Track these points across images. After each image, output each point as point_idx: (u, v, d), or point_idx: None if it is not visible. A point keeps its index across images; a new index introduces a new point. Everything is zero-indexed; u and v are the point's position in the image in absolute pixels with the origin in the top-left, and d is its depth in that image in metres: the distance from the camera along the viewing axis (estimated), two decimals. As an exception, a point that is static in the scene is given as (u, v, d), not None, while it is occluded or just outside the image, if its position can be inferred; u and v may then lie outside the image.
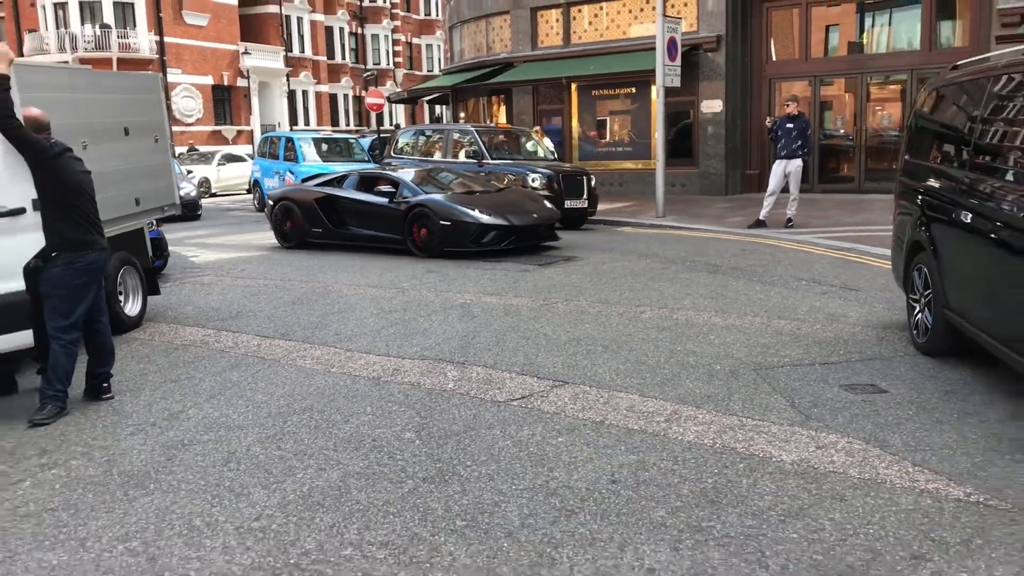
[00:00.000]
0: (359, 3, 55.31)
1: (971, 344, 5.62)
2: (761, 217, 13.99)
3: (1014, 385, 5.30)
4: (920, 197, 6.36)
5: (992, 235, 4.99)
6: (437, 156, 16.70)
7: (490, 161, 15.52)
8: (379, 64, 56.74)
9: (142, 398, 5.66)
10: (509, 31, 23.23)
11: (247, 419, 5.16)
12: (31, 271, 5.32)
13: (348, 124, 51.72)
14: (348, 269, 10.91)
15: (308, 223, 13.02)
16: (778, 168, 13.93)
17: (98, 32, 36.18)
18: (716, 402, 5.21)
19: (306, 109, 48.13)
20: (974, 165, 5.57)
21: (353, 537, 3.57)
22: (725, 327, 7.15)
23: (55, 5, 36.42)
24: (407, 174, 13.05)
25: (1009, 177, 5.04)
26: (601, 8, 21.62)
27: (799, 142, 13.72)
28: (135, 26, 37.17)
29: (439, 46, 64.22)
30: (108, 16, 36.47)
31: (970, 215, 5.34)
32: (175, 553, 3.50)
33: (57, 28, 36.40)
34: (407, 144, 17.98)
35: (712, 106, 19.74)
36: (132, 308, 7.81)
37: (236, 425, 5.06)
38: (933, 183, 6.22)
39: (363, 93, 55.08)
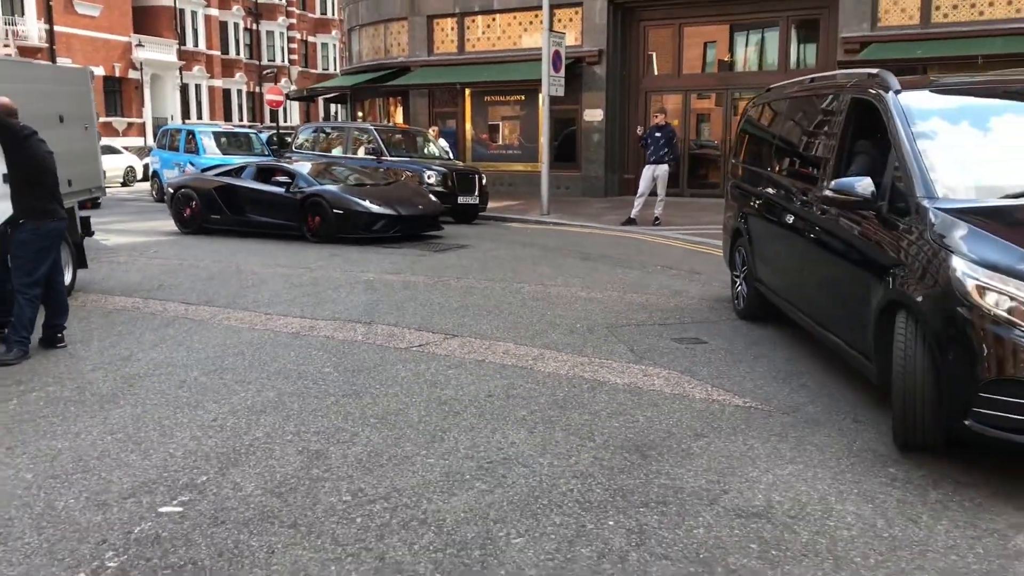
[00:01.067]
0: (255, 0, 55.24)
1: (774, 310, 7.17)
2: (632, 216, 15.60)
3: (798, 338, 6.86)
4: (739, 193, 7.94)
5: (778, 221, 6.55)
6: (337, 152, 17.73)
7: (388, 158, 16.66)
8: (274, 61, 56.78)
9: (93, 347, 6.64)
10: (407, 36, 24.37)
11: (190, 360, 6.24)
12: (1, 236, 6.25)
13: (242, 119, 51.60)
14: (256, 253, 11.88)
15: (207, 210, 13.94)
16: (647, 172, 15.57)
17: (-17, 19, 35.40)
18: (573, 348, 6.59)
19: (199, 103, 47.90)
20: (771, 167, 7.15)
21: (292, 429, 4.76)
22: (588, 299, 8.58)
23: (-65, -12, 35.47)
24: (303, 167, 14.12)
25: (790, 175, 6.61)
26: (494, 19, 23.02)
27: (665, 149, 15.40)
28: (23, 14, 36.51)
29: (334, 45, 64.62)
30: (-6, 2, 35.72)
31: (768, 203, 6.90)
32: (154, 440, 4.61)
33: (-63, 13, 35.45)
34: (307, 140, 18.92)
35: (594, 115, 21.39)
36: (64, 279, 8.65)
37: (181, 364, 6.13)
38: (746, 182, 7.79)
39: (257, 89, 55.13)
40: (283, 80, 56.58)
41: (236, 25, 52.56)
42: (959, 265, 4.09)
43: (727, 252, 8.41)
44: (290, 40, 59.66)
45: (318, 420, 4.91)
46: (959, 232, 4.25)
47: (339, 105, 39.35)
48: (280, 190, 13.36)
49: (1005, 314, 3.89)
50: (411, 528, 3.55)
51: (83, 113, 9.26)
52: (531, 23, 22.36)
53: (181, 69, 45.58)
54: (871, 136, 5.38)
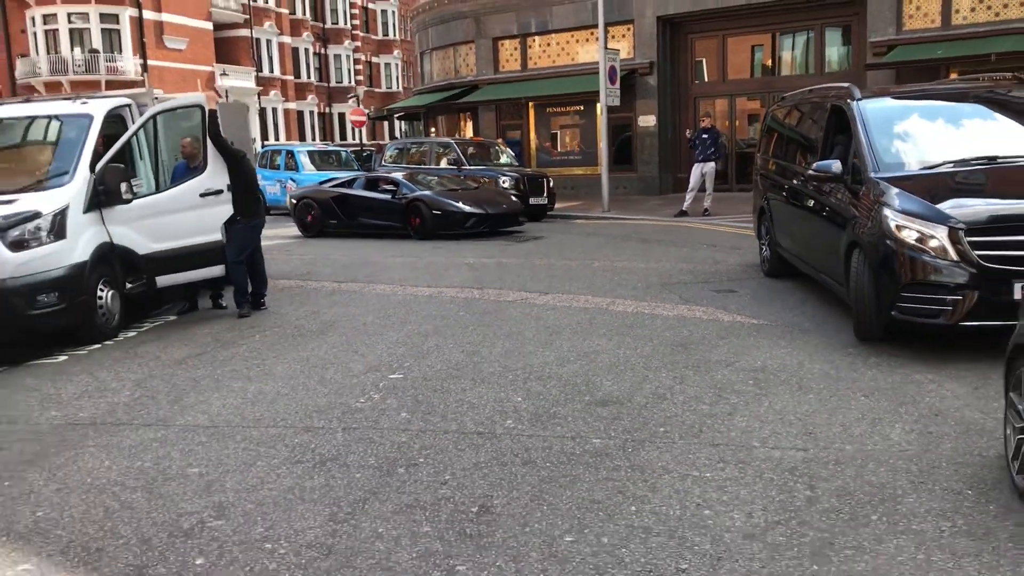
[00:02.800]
0: (322, 25, 58.58)
1: (791, 268, 9.37)
2: (684, 208, 17.81)
3: (806, 287, 9.04)
4: (762, 179, 10.19)
5: (788, 197, 8.79)
6: (425, 163, 20.28)
7: (468, 167, 19.13)
8: (341, 82, 60.04)
9: (286, 308, 9.17)
10: (474, 57, 26.91)
11: (361, 311, 8.73)
12: (225, 227, 8.81)
13: (314, 138, 54.86)
14: (374, 248, 14.40)
15: (325, 216, 16.56)
16: (696, 170, 17.77)
17: (87, 56, 39.04)
18: (635, 297, 8.91)
19: (276, 125, 51.24)
20: (783, 157, 9.40)
21: (452, 342, 7.17)
22: (646, 268, 10.89)
23: (45, 32, 39.20)
24: (404, 176, 16.66)
25: (794, 162, 8.86)
26: (552, 38, 25.43)
27: (712, 149, 17.58)
28: (121, 50, 40.08)
29: (396, 64, 67.81)
30: (96, 41, 39.35)
31: (782, 185, 9.15)
32: (364, 349, 7.06)
33: (48, 53, 39.17)
34: (394, 154, 21.55)
35: (647, 121, 23.63)
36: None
37: (357, 314, 8.61)
38: (767, 170, 10.04)
39: (327, 109, 58.56)
40: (351, 99, 59.85)
41: (307, 50, 55.91)
42: (888, 214, 6.32)
43: (756, 227, 10.65)
44: (356, 62, 62.87)
45: (468, 336, 7.34)
46: (890, 193, 6.47)
47: (404, 122, 42.21)
48: (387, 196, 15.89)
49: (914, 242, 6.11)
50: (543, 379, 5.94)
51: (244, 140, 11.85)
52: (587, 39, 24.66)
53: (259, 94, 48.92)
54: (844, 131, 7.61)
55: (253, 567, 3.44)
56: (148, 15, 41.10)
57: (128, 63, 40.27)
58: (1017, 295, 5.64)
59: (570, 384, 5.82)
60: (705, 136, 17.73)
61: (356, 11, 63.23)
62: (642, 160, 23.95)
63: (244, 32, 48.56)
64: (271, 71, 50.93)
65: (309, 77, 56.27)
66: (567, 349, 6.79)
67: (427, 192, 15.72)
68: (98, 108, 8.40)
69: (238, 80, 46.92)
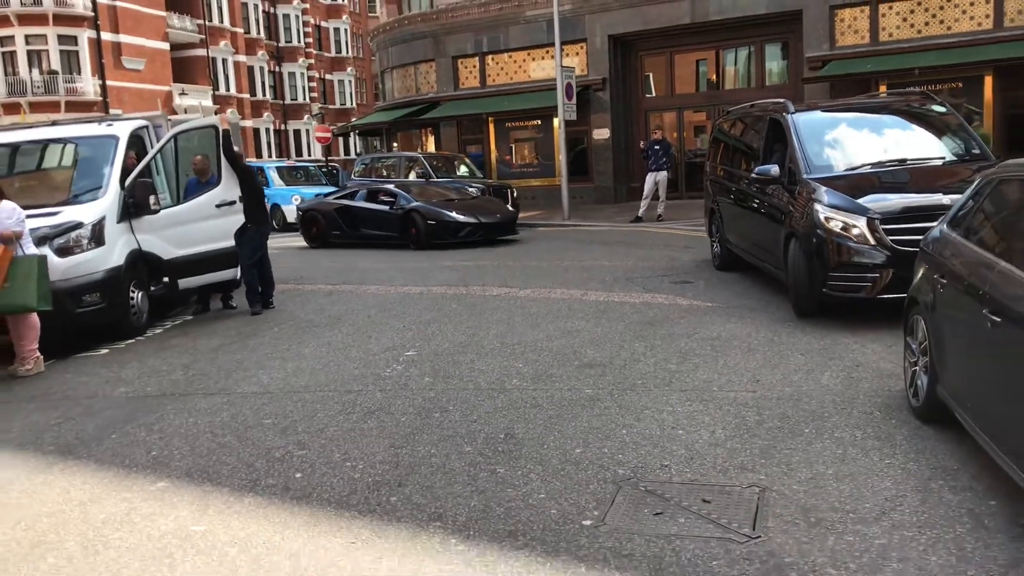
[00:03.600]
0: (276, 44, 59.28)
1: (738, 261, 10.64)
2: (639, 214, 19.11)
3: (752, 277, 10.31)
4: (711, 183, 11.49)
5: (734, 198, 10.07)
6: (393, 176, 21.34)
7: (435, 179, 20.23)
8: (296, 99, 60.75)
9: (293, 306, 10.18)
10: (434, 75, 28.03)
11: (363, 307, 9.79)
12: (237, 235, 9.81)
13: (271, 155, 55.43)
14: (366, 256, 15.33)
15: (329, 227, 17.16)
16: (649, 179, 19.10)
17: (46, 78, 39.37)
18: (604, 289, 10.10)
19: (233, 143, 51.72)
20: (729, 163, 10.70)
21: (451, 327, 8.27)
22: (611, 265, 12.11)
23: (3, 54, 39.44)
24: (403, 188, 17.27)
25: (739, 167, 10.15)
26: (510, 56, 26.68)
27: (664, 159, 18.94)
28: (80, 71, 40.47)
29: (350, 81, 68.72)
30: (55, 62, 39.71)
31: (729, 188, 10.43)
32: (375, 335, 8.13)
33: (5, 75, 39.40)
34: (363, 168, 22.58)
35: (602, 134, 24.96)
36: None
37: (360, 309, 9.67)
38: (716, 175, 11.34)
39: (283, 126, 59.24)
40: (305, 116, 60.57)
41: (262, 69, 56.54)
42: (818, 208, 7.58)
43: (707, 226, 11.94)
44: (310, 79, 63.62)
45: (464, 323, 8.46)
46: (820, 191, 7.74)
47: (360, 138, 43.08)
48: (386, 208, 16.39)
49: (840, 231, 7.38)
50: (537, 351, 7.08)
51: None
52: (542, 57, 25.91)
53: (216, 112, 49.44)
54: (781, 140, 8.89)
55: (342, 477, 4.52)
56: (106, 36, 41.55)
57: (87, 84, 40.66)
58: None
59: (560, 354, 6.98)
60: (657, 147, 19.08)
61: (309, 29, 63.99)
62: (598, 171, 25.26)
63: (200, 52, 49.12)
64: (227, 89, 51.50)
65: (264, 95, 56.88)
66: (552, 329, 7.95)
67: (422, 202, 16.16)
68: (122, 129, 9.37)
69: (196, 99, 47.43)
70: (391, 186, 17.65)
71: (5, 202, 7.33)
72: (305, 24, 63.06)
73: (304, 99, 62.16)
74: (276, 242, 18.91)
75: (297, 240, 18.17)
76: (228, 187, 9.75)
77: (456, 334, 7.99)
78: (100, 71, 41.25)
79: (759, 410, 5.29)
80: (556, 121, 22.15)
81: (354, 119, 60.68)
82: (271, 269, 10.28)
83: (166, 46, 45.99)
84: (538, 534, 3.73)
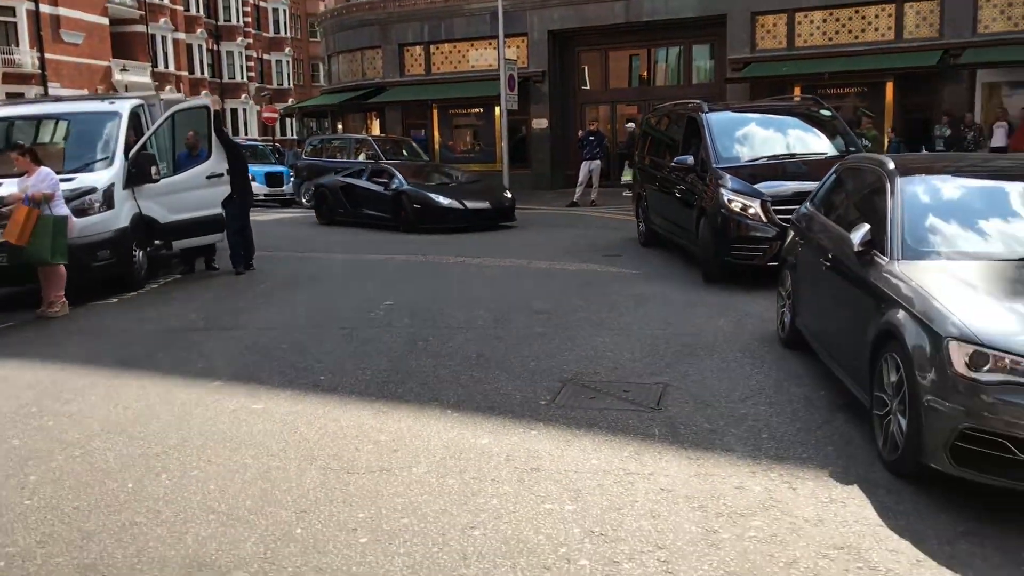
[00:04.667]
0: (215, 22, 59.36)
1: (660, 240, 12.33)
2: (575, 199, 20.78)
3: (670, 251, 12.00)
4: (639, 171, 13.18)
5: (658, 185, 11.77)
6: (342, 158, 22.58)
7: (384, 161, 21.53)
8: (234, 78, 60.93)
9: (270, 269, 11.51)
10: (380, 61, 29.24)
11: (335, 269, 11.20)
12: (224, 203, 11.11)
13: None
14: (323, 231, 16.70)
15: (336, 205, 17.22)
16: (584, 167, 20.77)
17: (-16, 49, 39.22)
18: (547, 259, 11.69)
19: (171, 120, 51.84)
20: (655, 154, 12.40)
21: (416, 285, 9.76)
22: (550, 242, 13.73)
23: (-61, 23, 39.13)
24: (399, 167, 17.05)
25: (662, 158, 11.85)
26: (454, 46, 28.06)
27: (597, 149, 20.64)
28: (18, 43, 40.38)
29: (288, 62, 69.06)
30: (-7, 33, 39.57)
31: (654, 176, 12.12)
32: (353, 290, 9.57)
33: (-59, 44, 39.12)
34: (314, 148, 23.77)
35: (540, 123, 26.55)
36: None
37: (332, 271, 11.08)
38: (643, 164, 13.03)
39: (221, 105, 59.37)
40: (243, 95, 60.82)
41: (200, 47, 56.62)
42: (724, 192, 9.28)
43: (635, 209, 13.64)
44: (248, 59, 63.78)
45: (428, 282, 9.97)
46: (725, 178, 9.44)
47: (298, 119, 43.84)
48: (381, 188, 16.14)
49: (739, 211, 9.09)
50: (494, 302, 8.63)
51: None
52: (485, 47, 27.33)
53: (155, 89, 49.52)
54: (696, 135, 10.58)
55: (357, 378, 6.01)
56: (45, 8, 41.45)
57: (25, 56, 40.58)
58: (801, 243, 8.68)
59: (513, 304, 8.54)
60: (592, 138, 20.77)
61: (248, 8, 64.13)
62: (536, 159, 26.86)
63: (140, 28, 49.14)
64: (166, 67, 51.58)
65: (203, 73, 56.99)
66: (505, 287, 9.52)
67: (411, 185, 15.84)
68: (124, 106, 10.58)
69: (135, 76, 47.51)
70: (389, 166, 17.34)
71: (42, 168, 8.56)
72: (244, 3, 63.13)
73: (242, 78, 62.31)
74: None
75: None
76: (217, 161, 11.04)
77: (423, 290, 9.50)
78: (39, 44, 41.17)
79: (667, 341, 6.94)
80: (498, 110, 23.66)
81: (291, 100, 61.30)
82: (252, 235, 11.60)
83: (105, 21, 45.94)
84: (509, 409, 5.30)
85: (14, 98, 40.50)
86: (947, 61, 20.84)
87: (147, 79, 48.87)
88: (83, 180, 9.61)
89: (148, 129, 10.78)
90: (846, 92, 23.42)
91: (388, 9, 28.60)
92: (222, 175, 11.08)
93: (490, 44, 26.57)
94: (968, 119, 20.12)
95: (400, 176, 16.25)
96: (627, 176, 20.61)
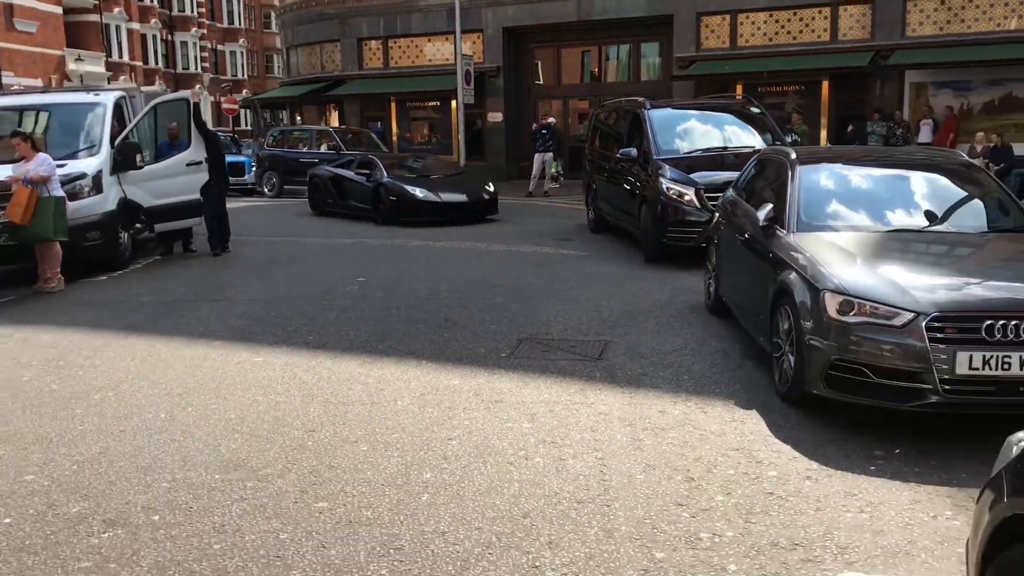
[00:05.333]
0: (169, 12, 59.21)
1: (607, 225, 13.37)
2: (530, 190, 21.78)
3: (617, 237, 13.04)
4: (589, 162, 14.22)
5: (605, 174, 12.81)
6: (303, 148, 23.29)
7: (345, 151, 22.31)
8: (188, 69, 60.82)
9: (245, 251, 12.29)
10: (339, 54, 29.90)
11: (308, 251, 12.03)
12: (203, 190, 11.88)
13: (163, 125, 55.50)
14: (292, 217, 17.47)
15: (326, 196, 17.06)
16: (537, 159, 21.77)
17: (-64, 36, 38.95)
18: (503, 243, 12.65)
19: (125, 110, 51.72)
20: (603, 146, 13.44)
21: (385, 265, 10.67)
22: (505, 228, 14.70)
23: None
24: (383, 159, 16.89)
25: (609, 150, 12.89)
26: (412, 41, 28.84)
27: (550, 142, 21.65)
28: (-29, 31, 40.15)
29: (242, 52, 68.99)
30: (-55, 21, 39.30)
31: (603, 167, 13.16)
32: (332, 267, 10.45)
33: None
34: (274, 139, 24.43)
35: (495, 117, 27.48)
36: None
37: (306, 253, 11.91)
38: (592, 156, 14.07)
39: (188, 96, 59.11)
40: (197, 86, 60.72)
41: (154, 37, 56.50)
42: (662, 180, 10.34)
43: (585, 198, 14.68)
44: (202, 49, 63.67)
45: (395, 262, 10.87)
46: (664, 168, 10.50)
47: (251, 110, 44.15)
48: (363, 179, 15.95)
49: (676, 198, 10.16)
50: (456, 278, 9.57)
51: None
52: (442, 43, 28.16)
53: (109, 79, 49.43)
54: (639, 129, 11.62)
55: (341, 338, 6.92)
56: (-2, -4, 41.30)
57: (-22, 44, 40.37)
58: (730, 226, 9.77)
59: (473, 279, 9.50)
60: (545, 132, 21.77)
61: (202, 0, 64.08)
62: (491, 151, 27.77)
63: (94, 17, 48.97)
64: (120, 57, 51.44)
65: (157, 63, 56.87)
66: (465, 267, 10.47)
67: (390, 177, 15.69)
68: (108, 98, 11.30)
69: (88, 65, 47.39)
70: (375, 157, 17.26)
71: (41, 153, 9.29)
72: (198, -7, 63.11)
73: (196, 69, 62.20)
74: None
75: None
76: (196, 150, 11.81)
77: (392, 268, 10.41)
78: (-8, 32, 40.98)
79: (610, 309, 7.96)
80: (454, 103, 24.53)
81: (244, 91, 61.40)
82: (228, 220, 12.38)
83: (59, 10, 45.74)
84: (475, 360, 6.26)
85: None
86: (878, 62, 22.19)
87: (101, 69, 48.78)
88: (73, 166, 10.33)
89: (130, 119, 11.53)
90: (785, 90, 24.71)
91: (347, 4, 29.27)
92: (201, 163, 11.84)
93: (446, 39, 27.38)
94: (897, 116, 21.52)
95: (382, 168, 16.09)
96: (554, 168, 21.85)
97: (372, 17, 28.95)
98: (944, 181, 6.20)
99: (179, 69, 60.04)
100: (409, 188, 15.36)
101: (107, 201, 10.49)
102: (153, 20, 56.09)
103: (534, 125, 23.30)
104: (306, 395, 5.47)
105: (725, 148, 11.08)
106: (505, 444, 4.59)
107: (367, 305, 8.23)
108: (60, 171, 10.01)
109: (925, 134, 21.17)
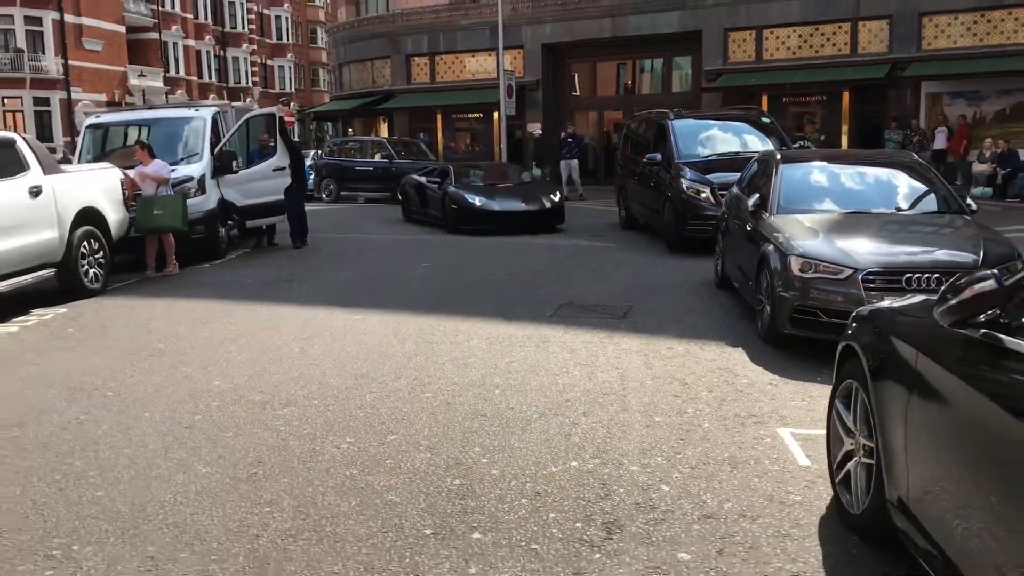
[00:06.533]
0: (222, 29, 61.94)
1: (636, 224, 15.03)
2: (565, 195, 23.46)
3: (646, 233, 14.69)
4: (620, 167, 15.92)
5: (635, 177, 14.50)
6: (358, 157, 25.24)
7: (397, 160, 24.21)
8: (239, 83, 63.48)
9: (320, 245, 14.13)
10: (389, 70, 31.92)
11: (374, 244, 13.85)
12: (286, 191, 13.76)
13: (216, 137, 58.11)
14: (350, 216, 19.35)
15: (411, 204, 17.76)
16: (563, 165, 23.47)
17: (12, 55, 41.75)
18: (544, 239, 14.36)
19: (181, 123, 54.38)
20: (633, 152, 15.14)
21: (444, 254, 12.44)
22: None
23: (-31, 30, 41.62)
24: (454, 168, 17.16)
25: (637, 155, 14.59)
26: (457, 57, 30.78)
27: (576, 150, 23.40)
28: (44, 51, 42.91)
29: (290, 67, 71.62)
30: (21, 41, 42.08)
31: (633, 171, 14.85)
32: (392, 258, 12.25)
33: (-28, 51, 41.60)
34: (332, 148, 26.44)
35: (534, 127, 29.28)
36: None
37: (373, 245, 13.72)
38: (624, 161, 15.76)
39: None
40: (248, 99, 63.34)
41: (208, 53, 59.20)
42: (683, 181, 12.01)
43: (617, 198, 16.38)
44: (252, 64, 66.36)
45: (452, 253, 12.65)
46: (685, 170, 12.17)
47: (300, 123, 46.56)
48: (436, 187, 16.35)
49: (694, 195, 11.82)
50: (508, 265, 11.31)
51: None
52: (486, 58, 30.04)
53: (167, 94, 52.12)
54: (664, 137, 13.29)
55: (418, 303, 8.68)
56: (69, 18, 44.01)
57: (51, 62, 43.12)
58: (740, 219, 11.43)
59: (520, 266, 11.24)
60: (570, 140, 23.54)
61: (253, 16, 66.72)
62: (529, 158, 29.57)
63: (153, 35, 51.72)
64: (177, 72, 54.15)
65: (210, 78, 59.56)
66: (512, 258, 12.21)
67: (455, 186, 15.86)
68: (207, 112, 13.22)
69: (148, 80, 50.07)
70: (449, 165, 17.65)
71: (157, 159, 11.23)
72: (249, 12, 65.74)
73: (246, 82, 64.84)
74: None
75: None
76: (281, 157, 13.71)
77: (450, 258, 12.20)
78: (63, 51, 43.71)
79: (635, 286, 9.65)
80: (496, 114, 26.35)
81: (292, 104, 63.98)
82: (307, 217, 14.25)
83: (122, 29, 48.50)
84: (526, 317, 7.99)
85: (43, 103, 43.23)
86: (895, 73, 23.63)
87: (160, 84, 51.46)
88: (182, 171, 12.25)
89: (223, 131, 13.45)
90: (808, 100, 26.21)
91: (396, 23, 31.30)
92: (284, 168, 13.74)
93: (489, 55, 29.29)
94: (914, 125, 22.94)
95: (452, 176, 16.27)
96: (536, 171, 23.72)
97: (419, 35, 30.94)
98: (895, 175, 7.84)
99: (231, 83, 62.69)
100: (468, 196, 15.44)
101: (209, 200, 12.39)
102: (207, 37, 58.76)
103: (561, 134, 25.06)
104: (400, 338, 7.24)
105: (738, 153, 12.70)
106: (552, 365, 6.31)
107: (436, 284, 10.01)
108: (172, 175, 11.98)
109: (940, 141, 22.57)
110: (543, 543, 3.55)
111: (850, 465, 3.67)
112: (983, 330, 2.56)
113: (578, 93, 30.30)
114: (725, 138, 13.25)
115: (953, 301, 2.71)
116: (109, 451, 4.73)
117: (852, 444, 3.65)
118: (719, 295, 9.01)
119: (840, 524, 3.68)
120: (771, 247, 6.93)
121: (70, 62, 44.09)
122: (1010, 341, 2.47)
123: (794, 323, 6.46)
